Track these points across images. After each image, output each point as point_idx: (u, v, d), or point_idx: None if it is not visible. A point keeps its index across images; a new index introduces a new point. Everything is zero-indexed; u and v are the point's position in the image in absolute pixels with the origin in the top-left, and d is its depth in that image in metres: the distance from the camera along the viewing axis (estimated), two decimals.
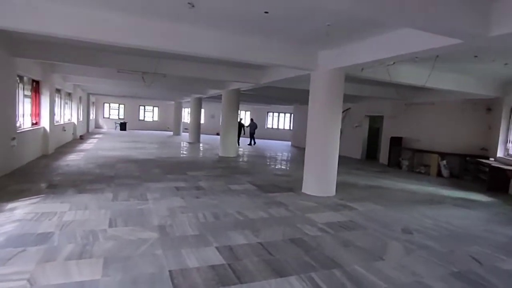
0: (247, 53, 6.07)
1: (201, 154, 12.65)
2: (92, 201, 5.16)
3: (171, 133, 23.66)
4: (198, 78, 10.54)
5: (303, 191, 6.79)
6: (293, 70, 7.42)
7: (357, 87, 11.05)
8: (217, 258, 3.39)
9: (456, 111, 10.80)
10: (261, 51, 6.12)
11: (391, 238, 4.32)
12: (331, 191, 6.78)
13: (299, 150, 17.03)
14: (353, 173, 10.07)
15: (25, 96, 8.25)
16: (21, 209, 4.55)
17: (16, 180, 6.29)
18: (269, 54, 6.21)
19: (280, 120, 25.18)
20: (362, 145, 14.57)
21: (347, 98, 14.10)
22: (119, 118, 25.56)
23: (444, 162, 10.50)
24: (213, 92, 14.36)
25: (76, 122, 15.05)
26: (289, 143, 20.81)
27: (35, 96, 9.31)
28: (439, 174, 10.58)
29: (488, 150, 9.87)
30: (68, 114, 14.40)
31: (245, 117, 26.24)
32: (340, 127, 6.85)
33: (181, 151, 13.16)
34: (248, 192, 6.47)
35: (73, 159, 9.22)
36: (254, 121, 19.73)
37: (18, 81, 7.65)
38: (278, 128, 25.15)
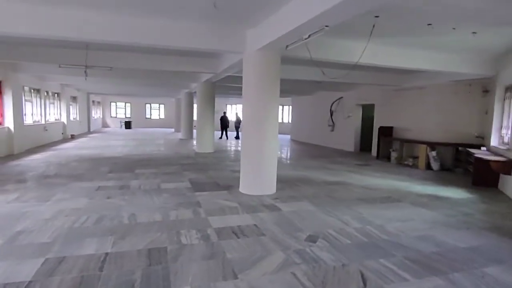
0: (167, 38, 5.46)
1: (178, 151, 12.20)
2: None
3: (173, 130, 23.54)
4: (158, 71, 10.05)
5: (240, 189, 6.08)
6: (238, 55, 6.70)
7: (342, 73, 10.04)
8: (25, 273, 2.84)
9: (448, 94, 9.51)
10: (183, 35, 5.48)
11: (281, 248, 3.55)
12: (270, 189, 6.01)
13: (294, 145, 16.16)
14: (327, 167, 9.15)
15: None
16: None
17: None
18: (193, 37, 5.54)
19: (284, 113, 24.22)
20: (354, 137, 13.44)
21: (337, 86, 13.12)
22: (125, 117, 25.87)
23: (434, 153, 9.27)
24: (194, 85, 13.84)
25: (65, 122, 15.15)
26: (289, 137, 19.90)
27: None
28: (429, 166, 9.37)
29: (485, 139, 8.55)
30: (56, 113, 14.52)
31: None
32: (277, 116, 6.01)
33: (160, 148, 12.80)
34: (175, 192, 5.87)
35: (33, 158, 9.09)
36: (239, 115, 19.49)
37: None
38: (282, 122, 24.21)
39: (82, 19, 4.96)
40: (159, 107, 27.18)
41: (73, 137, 15.56)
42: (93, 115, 22.21)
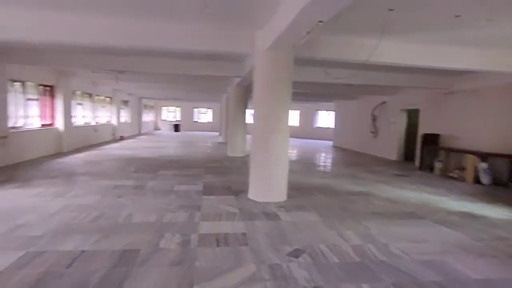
0: (172, 40, 5.53)
1: (211, 153, 12.37)
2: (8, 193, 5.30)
3: (218, 133, 24.08)
4: (179, 75, 10.32)
5: (249, 195, 5.88)
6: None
7: (385, 76, 9.37)
8: None
9: (505, 98, 8.26)
10: (187, 38, 5.52)
11: (256, 261, 3.28)
12: (279, 196, 5.72)
13: (334, 151, 15.47)
14: (358, 176, 8.51)
15: (28, 99, 9.13)
16: None
17: None
18: (201, 40, 5.55)
19: (327, 119, 23.36)
20: (397, 144, 12.38)
21: (381, 90, 12.26)
22: (176, 120, 27.17)
23: (484, 165, 8.09)
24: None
25: (116, 124, 16.33)
26: (332, 143, 19.09)
27: (50, 99, 10.32)
28: (478, 180, 8.21)
29: None
30: (107, 116, 15.72)
31: (295, 116, 25.27)
32: (287, 120, 5.69)
33: (195, 151, 13.11)
34: (183, 194, 5.88)
35: (76, 157, 9.89)
36: None
37: (13, 85, 8.48)
38: (328, 128, 23.39)
39: (95, 25, 5.23)
40: (207, 111, 28.08)
41: (122, 138, 16.71)
42: (144, 118, 23.68)
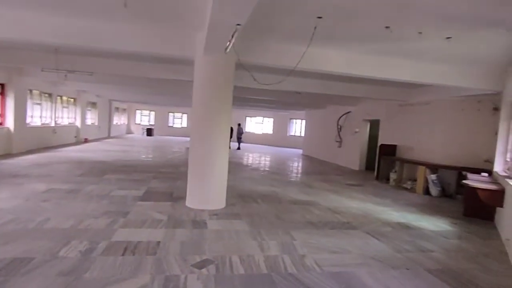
0: (115, 41, 5.34)
1: (172, 159, 12.11)
2: None
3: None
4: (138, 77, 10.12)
5: (186, 203, 5.69)
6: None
7: (346, 86, 9.46)
8: None
9: (454, 112, 8.46)
10: (129, 39, 5.34)
11: (155, 271, 3.10)
12: (218, 204, 5.57)
13: (300, 160, 15.49)
14: (311, 185, 8.48)
15: None
16: None
17: None
18: (140, 41, 5.39)
19: (298, 127, 23.53)
20: (360, 154, 12.50)
21: (346, 100, 12.39)
22: (149, 124, 26.68)
23: (433, 176, 8.21)
24: None
25: (79, 126, 15.82)
26: (301, 151, 19.17)
27: (1, 98, 9.85)
28: (428, 191, 8.32)
29: (493, 163, 7.42)
30: (70, 117, 15.21)
31: (268, 123, 25.39)
32: (226, 125, 5.58)
33: (157, 155, 12.81)
34: (118, 199, 5.63)
35: (24, 159, 9.43)
36: (241, 126, 20.44)
37: None
38: (301, 136, 23.53)
39: (41, 23, 4.98)
40: (181, 116, 27.72)
41: (86, 140, 16.19)
42: (116, 121, 23.12)
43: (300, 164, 13.65)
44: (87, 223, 4.33)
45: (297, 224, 4.98)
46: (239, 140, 19.62)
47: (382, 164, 10.18)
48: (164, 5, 4.31)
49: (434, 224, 5.56)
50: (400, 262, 3.77)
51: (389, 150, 10.24)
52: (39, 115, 12.35)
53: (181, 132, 27.01)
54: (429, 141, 9.02)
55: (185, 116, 27.61)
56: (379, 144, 10.85)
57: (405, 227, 5.27)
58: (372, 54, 6.03)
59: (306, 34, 4.77)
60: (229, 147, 17.84)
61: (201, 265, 3.33)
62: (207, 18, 3.71)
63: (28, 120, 11.37)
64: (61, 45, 5.61)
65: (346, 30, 4.83)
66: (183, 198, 5.94)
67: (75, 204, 5.21)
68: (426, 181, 8.33)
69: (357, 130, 12.75)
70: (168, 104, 23.22)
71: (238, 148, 19.10)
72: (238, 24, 3.55)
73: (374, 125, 12.33)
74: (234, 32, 3.80)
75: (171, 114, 27.53)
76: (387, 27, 4.47)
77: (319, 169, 12.04)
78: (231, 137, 18.08)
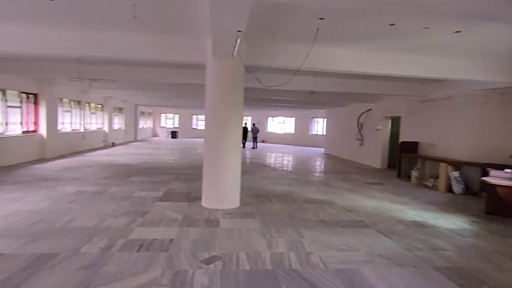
0: (131, 51, 5.67)
1: (194, 161, 12.46)
2: None
3: None
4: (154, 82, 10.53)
5: (202, 203, 5.91)
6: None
7: (363, 83, 9.39)
8: None
9: (477, 106, 8.16)
10: (145, 47, 5.65)
11: (166, 266, 3.31)
12: (232, 203, 5.76)
13: (321, 159, 15.42)
14: (329, 184, 8.48)
15: (9, 107, 9.40)
16: None
17: None
18: (154, 49, 5.68)
19: (319, 126, 23.31)
20: (381, 152, 12.27)
21: (366, 97, 12.23)
22: (173, 127, 27.47)
23: (456, 173, 7.96)
24: None
25: (107, 130, 16.62)
26: (323, 150, 19.03)
27: (34, 107, 10.61)
28: (450, 189, 8.07)
29: None
30: (98, 123, 16.02)
31: (290, 123, 25.42)
32: (238, 127, 5.76)
33: (179, 158, 13.23)
34: (138, 200, 5.95)
35: (56, 163, 10.09)
36: (256, 125, 21.21)
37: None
38: (323, 135, 23.33)
39: (66, 38, 5.42)
40: (204, 118, 28.24)
41: (113, 144, 16.97)
42: (141, 125, 24.01)
43: (321, 163, 13.60)
44: (108, 222, 4.64)
45: (309, 223, 5.05)
46: (254, 139, 20.23)
47: (403, 161, 9.97)
48: (173, 15, 4.53)
49: (451, 223, 5.43)
50: (408, 260, 3.77)
51: (411, 147, 10.01)
52: (69, 121, 13.14)
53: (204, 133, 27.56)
54: (451, 137, 8.75)
55: None
56: (400, 141, 10.62)
57: (420, 225, 5.20)
58: (381, 51, 5.98)
59: (312, 35, 4.84)
60: (244, 147, 18.44)
61: (209, 261, 3.51)
62: (210, 27, 3.89)
63: (60, 126, 12.13)
64: (82, 57, 6.00)
65: (351, 28, 4.85)
66: (199, 198, 6.16)
67: (99, 205, 5.57)
68: (449, 178, 8.09)
69: (378, 127, 12.53)
70: (191, 107, 23.80)
71: (254, 147, 19.72)
72: (239, 31, 3.70)
73: (396, 122, 12.07)
74: (237, 38, 3.96)
75: (194, 116, 28.20)
76: (391, 24, 4.45)
77: (339, 168, 11.95)
78: (245, 137, 18.51)
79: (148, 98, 17.04)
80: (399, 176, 10.05)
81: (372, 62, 6.02)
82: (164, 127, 27.94)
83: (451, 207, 6.60)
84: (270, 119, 26.46)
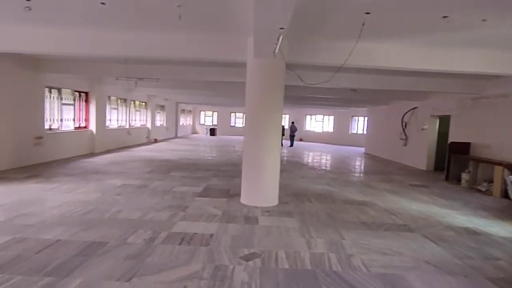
0: (175, 50, 5.87)
1: (233, 158, 12.64)
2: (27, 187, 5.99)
3: None
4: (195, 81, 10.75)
5: (241, 199, 5.97)
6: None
7: (409, 80, 8.97)
8: None
9: None
10: (188, 47, 5.82)
11: (206, 260, 3.39)
12: (270, 201, 5.76)
13: (362, 159, 14.95)
14: (369, 185, 8.19)
15: (64, 104, 10.15)
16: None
17: (23, 170, 7.87)
18: (197, 49, 5.83)
19: (360, 125, 22.56)
20: (427, 153, 11.61)
21: (412, 95, 11.64)
22: (212, 124, 28.08)
23: None
24: None
25: (150, 127, 17.37)
26: (363, 150, 18.41)
27: (85, 104, 11.37)
28: (506, 194, 7.44)
29: None
30: (142, 120, 16.80)
31: (329, 121, 24.94)
32: (277, 125, 5.73)
33: (218, 154, 13.49)
34: (179, 195, 6.15)
35: (104, 157, 10.74)
36: (294, 124, 20.95)
37: (50, 92, 9.51)
38: (363, 134, 22.58)
39: (112, 39, 5.76)
40: (243, 116, 28.60)
41: (156, 141, 17.70)
42: (182, 122, 24.82)
43: (361, 163, 13.18)
44: (152, 215, 4.84)
45: (349, 224, 4.91)
46: (292, 137, 20.22)
47: (453, 163, 9.35)
48: (216, 14, 4.60)
49: (507, 231, 5.00)
50: (458, 269, 3.52)
51: (461, 148, 9.36)
52: (116, 118, 13.90)
53: (242, 131, 27.89)
54: (507, 138, 8.05)
55: (245, 116, 28.45)
56: (449, 141, 9.97)
57: (471, 232, 4.84)
58: (432, 45, 5.63)
59: (357, 30, 4.68)
60: (281, 145, 18.43)
61: (248, 257, 3.54)
62: (252, 25, 3.90)
63: (107, 123, 12.88)
64: (129, 57, 6.29)
65: (399, 22, 4.61)
66: (238, 195, 6.23)
67: (143, 198, 5.83)
68: (504, 182, 7.45)
69: (424, 127, 11.87)
70: (230, 105, 24.19)
71: (291, 145, 19.74)
72: (282, 28, 3.67)
73: (444, 121, 11.35)
74: (279, 36, 3.93)
75: (232, 114, 28.61)
76: (444, 16, 4.17)
77: (381, 169, 11.50)
78: (283, 135, 18.59)
79: (189, 96, 17.56)
80: (447, 179, 9.45)
81: (422, 57, 5.69)
82: (203, 124, 28.67)
83: (507, 213, 6.08)
84: (308, 117, 26.11)
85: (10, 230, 3.99)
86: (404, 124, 13.26)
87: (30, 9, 4.40)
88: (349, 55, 5.06)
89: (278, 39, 4.03)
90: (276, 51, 4.51)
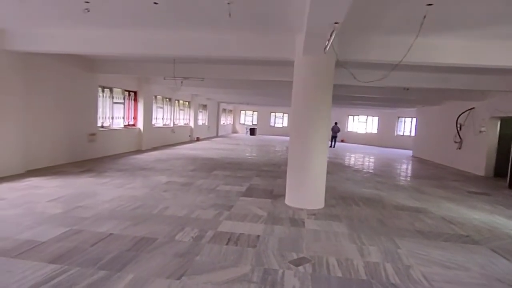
0: (223, 49, 5.87)
1: (273, 158, 12.52)
2: (83, 181, 6.32)
3: None
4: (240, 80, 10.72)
5: (286, 201, 5.83)
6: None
7: (468, 78, 8.30)
8: (47, 236, 3.63)
9: None
10: (235, 46, 5.79)
11: (255, 263, 3.28)
12: (316, 203, 5.55)
13: (410, 162, 14.14)
14: (421, 190, 7.65)
15: (115, 103, 10.67)
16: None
17: (76, 164, 8.37)
18: (244, 47, 5.78)
19: (406, 126, 21.33)
20: (486, 158, 10.64)
21: (468, 95, 10.78)
22: (252, 124, 28.20)
23: None
24: None
25: (193, 126, 17.79)
26: (411, 153, 17.39)
27: (133, 103, 11.87)
28: None
29: None
30: (185, 119, 17.25)
31: (373, 122, 23.93)
32: (325, 126, 5.48)
33: (259, 154, 13.43)
34: (223, 194, 6.14)
35: (150, 154, 11.14)
36: (337, 124, 20.17)
37: (103, 91, 10.03)
38: (411, 136, 21.35)
39: (162, 39, 5.89)
40: (282, 116, 28.43)
41: (198, 139, 18.10)
42: (223, 122, 25.19)
43: (409, 167, 12.44)
44: (198, 213, 4.86)
45: (403, 232, 4.57)
46: (334, 138, 19.72)
47: None
48: (264, 11, 4.48)
49: None
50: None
51: None
52: (161, 117, 14.38)
53: (281, 131, 27.74)
54: None
55: (285, 116, 28.26)
56: None
57: None
58: (500, 39, 5.07)
59: (414, 24, 4.32)
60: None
61: (298, 262, 3.38)
62: (305, 20, 3.73)
63: (153, 121, 13.35)
64: (177, 57, 6.39)
65: (464, 14, 4.18)
66: (282, 196, 6.10)
67: (188, 195, 5.89)
68: None
69: (483, 129, 10.90)
70: (270, 105, 24.13)
71: (332, 146, 19.29)
72: (336, 22, 3.47)
73: (507, 123, 10.33)
74: (333, 31, 3.72)
75: (272, 114, 28.52)
76: None
77: (432, 173, 10.74)
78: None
79: (230, 95, 17.76)
80: (510, 186, 8.57)
81: (488, 52, 5.15)
82: (243, 124, 28.89)
83: None
84: (350, 118, 25.28)
85: (67, 221, 4.19)
86: (459, 125, 12.29)
87: (88, 11, 4.58)
88: (407, 51, 4.69)
89: (331, 35, 3.82)
90: (328, 48, 4.29)
